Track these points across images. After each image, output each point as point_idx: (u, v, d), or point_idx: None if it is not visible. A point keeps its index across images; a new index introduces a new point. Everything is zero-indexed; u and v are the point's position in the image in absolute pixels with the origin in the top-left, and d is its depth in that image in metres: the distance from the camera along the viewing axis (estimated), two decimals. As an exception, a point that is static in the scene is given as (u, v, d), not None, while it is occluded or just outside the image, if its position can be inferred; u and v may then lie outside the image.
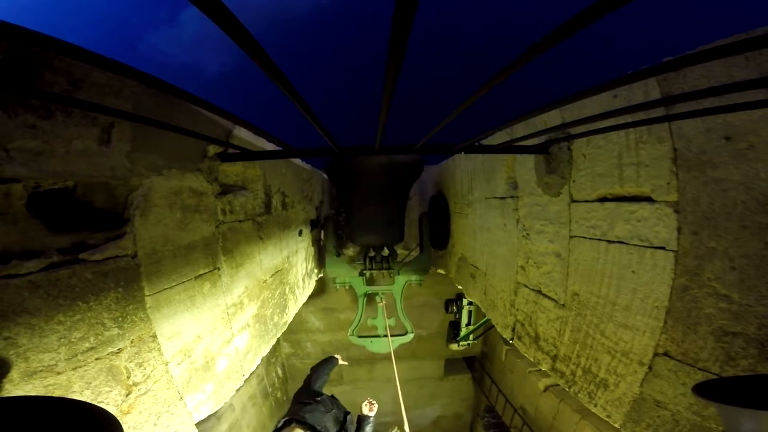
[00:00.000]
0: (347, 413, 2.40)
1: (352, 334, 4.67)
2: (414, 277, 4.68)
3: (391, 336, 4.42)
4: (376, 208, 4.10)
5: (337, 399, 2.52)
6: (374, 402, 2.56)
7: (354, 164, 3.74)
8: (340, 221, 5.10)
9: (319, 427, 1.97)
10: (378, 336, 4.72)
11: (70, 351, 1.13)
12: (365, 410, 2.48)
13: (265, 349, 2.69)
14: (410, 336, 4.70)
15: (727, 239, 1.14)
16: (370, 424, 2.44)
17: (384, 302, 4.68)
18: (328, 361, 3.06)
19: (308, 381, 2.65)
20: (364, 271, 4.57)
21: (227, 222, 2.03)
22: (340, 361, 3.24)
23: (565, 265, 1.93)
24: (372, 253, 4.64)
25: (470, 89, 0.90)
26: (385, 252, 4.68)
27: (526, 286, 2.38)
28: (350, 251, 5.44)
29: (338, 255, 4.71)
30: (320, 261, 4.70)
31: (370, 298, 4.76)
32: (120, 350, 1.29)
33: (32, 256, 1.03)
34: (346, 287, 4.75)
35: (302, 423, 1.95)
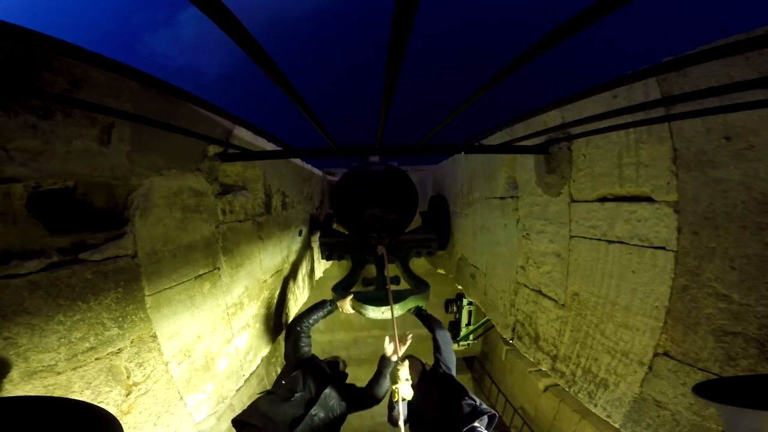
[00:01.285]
0: (325, 386, 2.06)
1: (336, 289, 3.04)
2: (420, 247, 3.76)
3: (399, 290, 2.91)
4: (376, 187, 3.86)
5: (315, 365, 2.18)
6: (407, 338, 2.11)
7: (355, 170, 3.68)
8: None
9: (269, 425, 1.75)
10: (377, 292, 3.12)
11: (70, 351, 1.13)
12: (388, 351, 2.11)
13: (265, 349, 2.69)
14: (426, 291, 2.97)
15: (727, 239, 1.14)
16: (388, 371, 2.06)
17: (384, 252, 3.29)
18: (306, 316, 2.47)
19: (285, 356, 2.35)
20: (361, 236, 3.62)
21: (227, 222, 2.03)
22: (344, 308, 2.56)
23: (565, 265, 1.93)
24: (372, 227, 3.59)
25: (470, 89, 0.90)
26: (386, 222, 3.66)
27: (526, 286, 2.38)
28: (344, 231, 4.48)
29: (331, 230, 4.04)
30: (310, 232, 4.08)
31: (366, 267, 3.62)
32: (120, 350, 1.29)
33: (32, 256, 1.04)
34: (336, 257, 3.83)
35: (244, 425, 1.75)
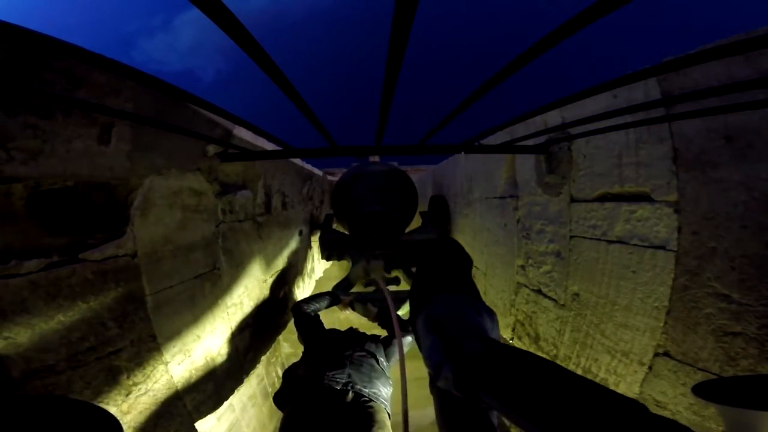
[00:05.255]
0: (349, 331, 2.11)
1: (336, 290, 3.23)
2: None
3: (399, 290, 2.98)
4: (375, 186, 3.81)
5: (332, 330, 2.18)
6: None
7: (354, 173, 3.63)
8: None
9: (304, 384, 1.67)
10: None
11: (70, 351, 1.13)
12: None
13: (265, 349, 2.69)
14: None
15: (727, 239, 1.14)
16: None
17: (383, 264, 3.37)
18: (308, 302, 2.47)
19: (299, 339, 2.27)
20: (361, 235, 3.62)
21: (227, 222, 2.03)
22: (344, 309, 2.66)
23: (565, 264, 1.93)
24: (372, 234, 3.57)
25: (470, 89, 0.90)
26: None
27: (526, 286, 2.38)
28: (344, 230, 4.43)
29: (330, 230, 4.09)
30: (310, 229, 4.15)
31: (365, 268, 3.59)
32: (120, 350, 1.29)
33: (32, 256, 1.04)
34: (335, 257, 3.86)
35: (281, 397, 1.70)
